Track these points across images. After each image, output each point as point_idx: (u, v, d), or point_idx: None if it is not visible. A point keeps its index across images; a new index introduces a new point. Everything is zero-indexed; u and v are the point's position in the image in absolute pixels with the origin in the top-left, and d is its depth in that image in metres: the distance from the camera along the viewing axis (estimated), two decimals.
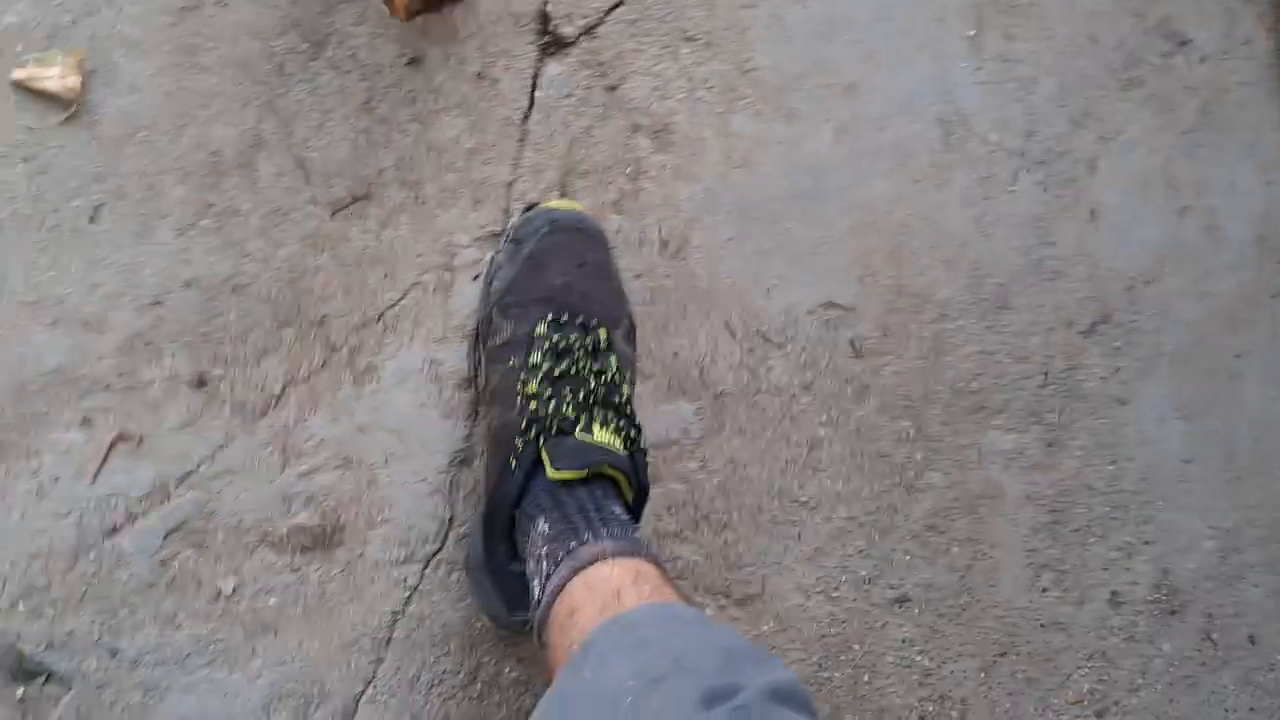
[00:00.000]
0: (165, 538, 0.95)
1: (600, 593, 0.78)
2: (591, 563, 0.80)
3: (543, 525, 0.86)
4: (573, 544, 0.83)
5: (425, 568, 1.02)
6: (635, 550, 0.82)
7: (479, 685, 1.03)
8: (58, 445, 0.93)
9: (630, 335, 1.01)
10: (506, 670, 1.04)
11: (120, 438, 0.94)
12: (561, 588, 0.80)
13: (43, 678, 0.92)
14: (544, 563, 0.84)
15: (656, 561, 0.82)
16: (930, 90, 1.18)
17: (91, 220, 0.95)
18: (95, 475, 0.94)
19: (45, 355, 0.93)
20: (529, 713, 1.04)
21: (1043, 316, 1.20)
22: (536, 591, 0.84)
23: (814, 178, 1.13)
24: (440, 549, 1.03)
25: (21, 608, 0.92)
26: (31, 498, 0.93)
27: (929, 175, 1.17)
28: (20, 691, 0.92)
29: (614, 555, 0.81)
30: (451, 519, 1.03)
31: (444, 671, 1.02)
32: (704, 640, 0.70)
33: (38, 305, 0.94)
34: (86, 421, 0.94)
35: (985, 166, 1.19)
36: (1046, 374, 1.20)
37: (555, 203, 1.02)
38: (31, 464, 0.93)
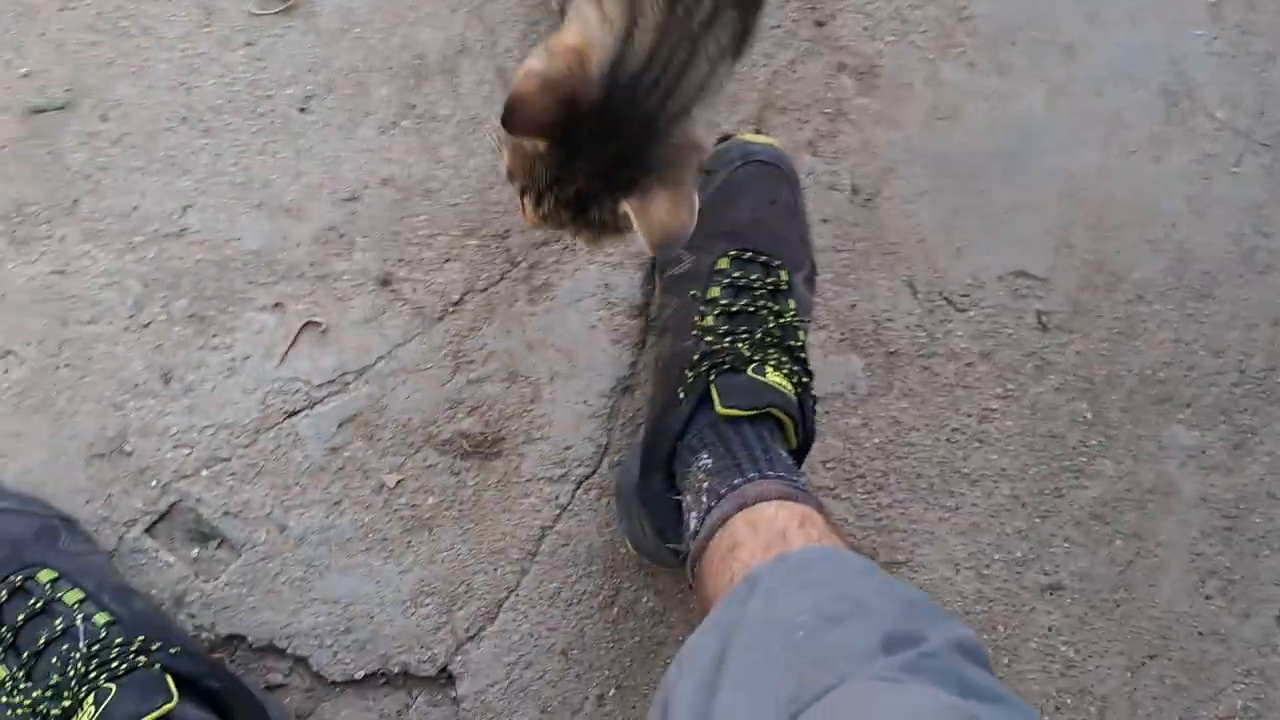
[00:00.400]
0: (339, 426, 0.98)
1: (764, 531, 0.77)
2: (755, 501, 0.79)
3: (705, 459, 0.85)
4: (737, 481, 0.82)
5: (577, 489, 1.03)
6: (801, 495, 0.80)
7: (616, 609, 1.04)
8: (251, 325, 0.97)
9: (811, 281, 0.99)
10: (644, 600, 1.04)
11: (309, 325, 0.97)
12: (723, 522, 0.80)
13: (216, 542, 0.97)
14: (704, 496, 0.83)
15: (821, 509, 0.80)
16: (1157, 57, 1.10)
17: (302, 110, 0.97)
18: (283, 358, 0.97)
19: (248, 236, 0.97)
20: (662, 643, 1.05)
21: (1246, 310, 1.12)
22: (693, 524, 0.84)
23: (1020, 138, 1.07)
24: (593, 473, 1.03)
25: (204, 474, 0.96)
26: (224, 371, 0.97)
27: (1145, 148, 1.09)
28: (195, 552, 0.97)
29: (780, 497, 0.79)
30: (608, 445, 1.03)
31: (584, 592, 1.03)
32: (883, 587, 0.68)
33: (246, 187, 0.97)
34: (279, 306, 0.97)
35: (1208, 144, 1.10)
36: (1243, 371, 1.12)
37: (751, 136, 0.99)
38: (227, 339, 0.97)
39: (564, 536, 1.03)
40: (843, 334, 1.06)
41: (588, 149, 0.67)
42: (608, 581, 1.04)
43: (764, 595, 0.69)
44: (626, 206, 0.69)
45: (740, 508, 0.80)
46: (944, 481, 1.08)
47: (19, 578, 0.84)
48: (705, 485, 0.84)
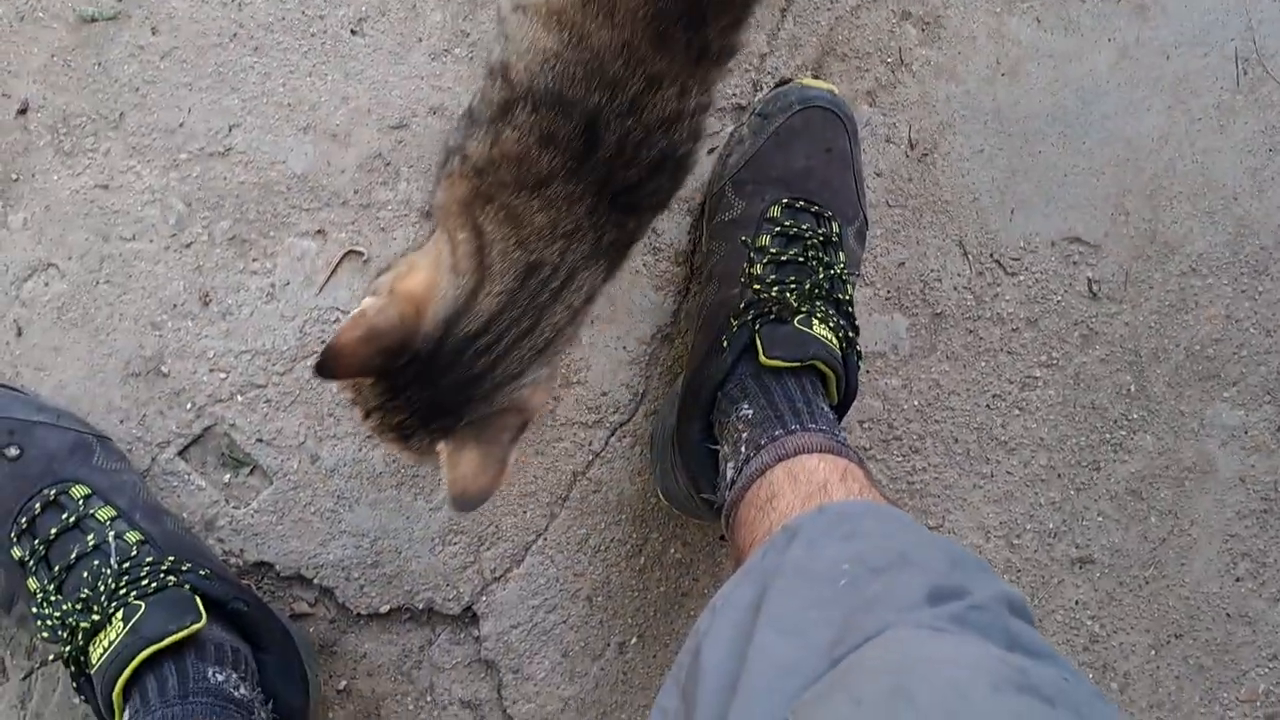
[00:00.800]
0: None
1: (804, 483, 0.76)
2: (796, 453, 0.78)
3: (746, 410, 0.84)
4: (777, 432, 0.80)
5: (611, 436, 1.02)
6: (843, 449, 0.79)
7: (643, 559, 1.03)
8: (292, 251, 0.96)
9: (861, 235, 0.97)
10: (672, 551, 1.04)
11: (350, 254, 0.96)
12: (762, 472, 0.78)
13: (248, 469, 0.96)
14: (743, 446, 0.82)
15: (863, 464, 0.79)
16: (1231, 22, 1.06)
17: (353, 32, 0.95)
18: (322, 286, 0.96)
19: (293, 160, 0.95)
20: (687, 595, 1.04)
21: None
22: (730, 473, 0.83)
23: (1082, 100, 1.05)
24: (628, 420, 1.02)
25: (240, 399, 0.96)
26: (263, 297, 0.95)
27: (1210, 116, 1.06)
28: (227, 477, 0.96)
29: (821, 450, 0.78)
30: (644, 393, 1.02)
31: (612, 539, 1.02)
32: (927, 541, 0.67)
33: (293, 109, 0.95)
34: (321, 233, 0.96)
35: (1275, 115, 1.07)
36: None
37: (810, 81, 0.97)
38: (267, 264, 0.95)
39: (595, 483, 1.02)
40: (889, 292, 1.04)
41: (411, 391, 0.67)
42: (636, 530, 1.03)
43: (805, 544, 0.67)
44: (441, 449, 0.69)
45: (780, 459, 0.78)
46: (981, 448, 1.06)
47: (53, 491, 0.84)
48: (745, 435, 0.82)
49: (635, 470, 1.02)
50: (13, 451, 0.84)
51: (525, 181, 0.66)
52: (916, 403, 1.05)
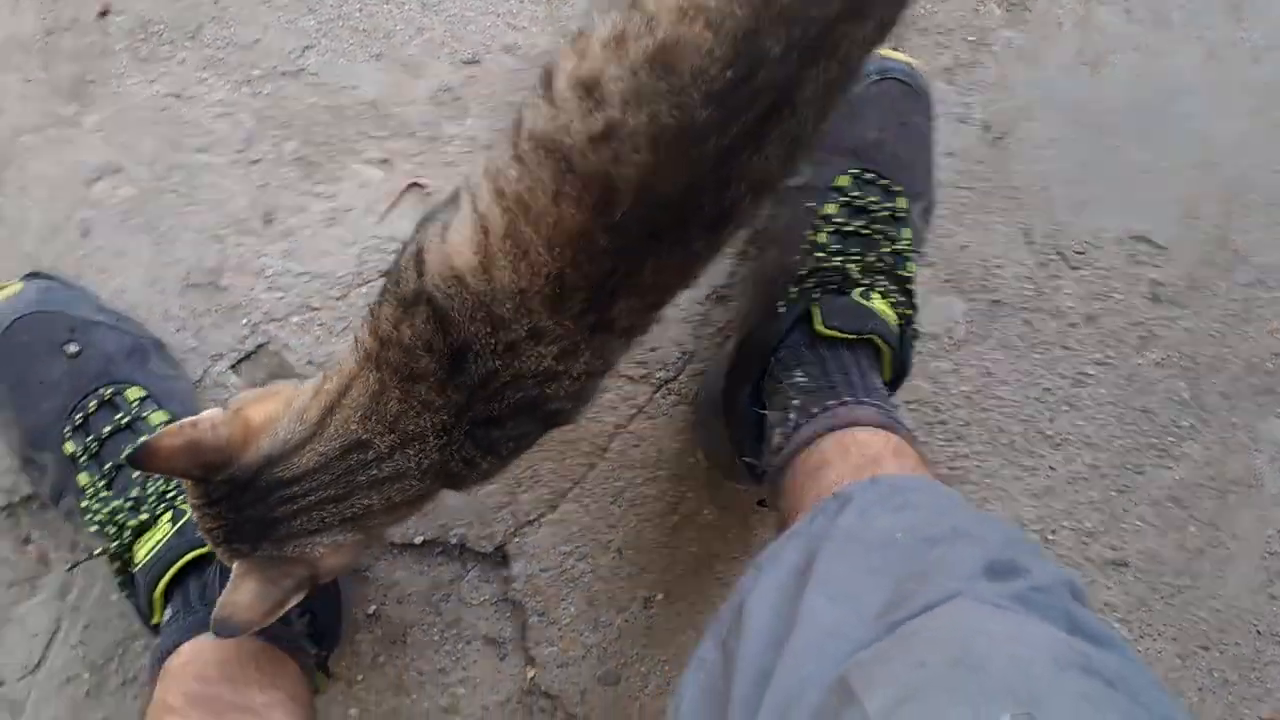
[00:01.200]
0: None
1: (856, 455, 0.76)
2: (849, 425, 0.78)
3: (800, 377, 0.83)
4: (830, 402, 0.80)
5: (656, 392, 1.02)
6: (896, 425, 0.79)
7: (676, 517, 1.03)
8: (358, 177, 0.96)
9: (927, 213, 0.95)
10: (705, 512, 1.04)
11: (413, 186, 0.96)
12: (812, 440, 0.78)
13: None
14: (793, 414, 0.81)
15: (914, 442, 0.78)
16: None
17: None
18: (384, 215, 0.96)
19: (365, 86, 0.95)
20: (716, 556, 1.04)
21: None
22: (778, 439, 0.82)
23: (1165, 97, 1.03)
24: (675, 378, 1.02)
25: (294, 320, 0.96)
26: (324, 220, 0.96)
27: None
28: None
29: (874, 424, 0.78)
30: (692, 353, 1.02)
31: (648, 495, 1.03)
32: (981, 519, 0.67)
33: (368, 35, 0.95)
34: (386, 162, 0.96)
35: None
36: None
37: (889, 52, 0.95)
38: (331, 189, 0.96)
39: (636, 437, 1.02)
40: (949, 274, 1.03)
41: (221, 506, 0.68)
42: (672, 488, 1.03)
43: (857, 512, 0.67)
44: (235, 567, 0.70)
45: (831, 429, 0.78)
46: (1026, 441, 1.05)
47: (109, 391, 0.85)
48: (796, 403, 0.82)
49: (677, 429, 1.02)
50: (72, 348, 0.85)
51: (403, 371, 0.66)
52: (965, 389, 1.04)
